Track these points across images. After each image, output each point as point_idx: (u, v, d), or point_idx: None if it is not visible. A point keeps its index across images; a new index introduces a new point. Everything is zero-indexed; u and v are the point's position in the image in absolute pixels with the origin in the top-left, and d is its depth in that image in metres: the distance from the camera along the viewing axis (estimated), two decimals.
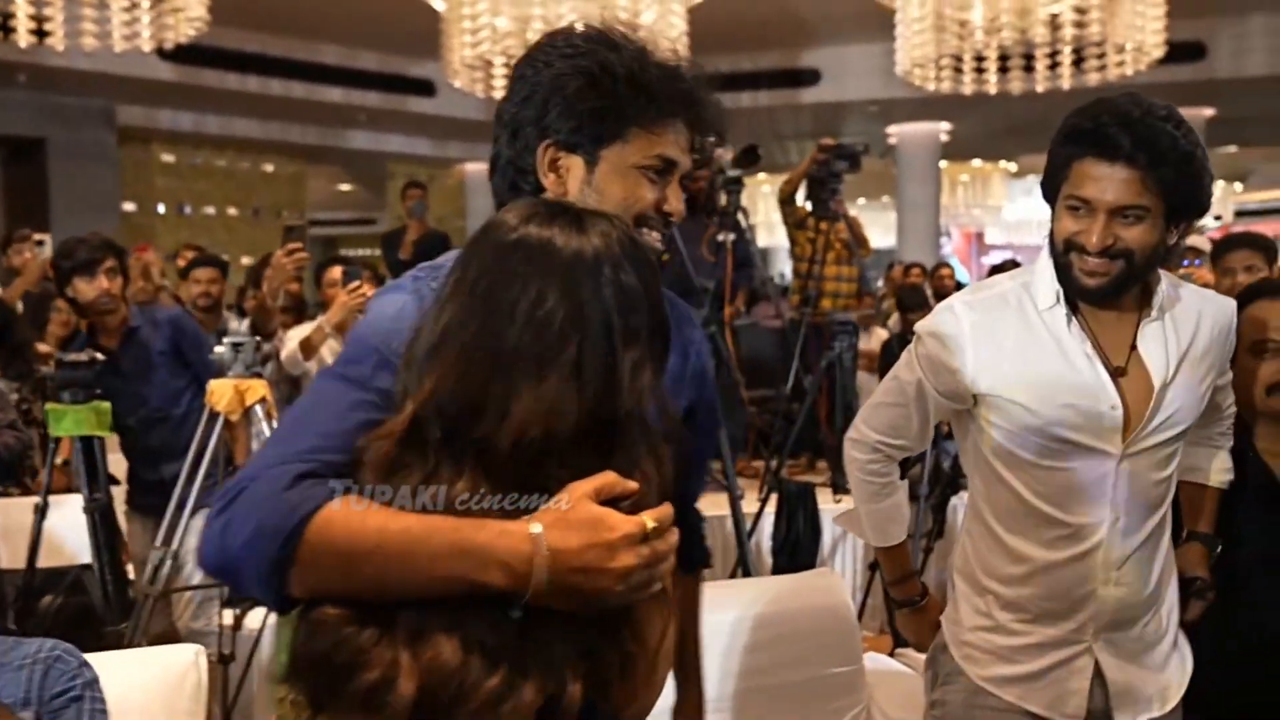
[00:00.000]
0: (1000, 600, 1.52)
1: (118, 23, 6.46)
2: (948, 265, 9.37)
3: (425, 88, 10.95)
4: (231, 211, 11.99)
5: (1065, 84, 7.96)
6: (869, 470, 1.62)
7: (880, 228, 14.22)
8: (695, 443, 1.36)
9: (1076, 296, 1.47)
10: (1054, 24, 7.01)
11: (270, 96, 10.37)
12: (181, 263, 5.69)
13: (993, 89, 8.11)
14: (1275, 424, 1.77)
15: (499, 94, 6.83)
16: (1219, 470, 1.71)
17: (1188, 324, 1.50)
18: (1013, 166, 16.27)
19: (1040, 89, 8.10)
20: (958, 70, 8.16)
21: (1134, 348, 1.48)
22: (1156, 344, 1.47)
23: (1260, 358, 1.74)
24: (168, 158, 11.43)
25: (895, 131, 12.34)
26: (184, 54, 9.42)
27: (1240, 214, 19.61)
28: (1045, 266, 1.51)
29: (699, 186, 5.04)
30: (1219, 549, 1.71)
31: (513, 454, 0.88)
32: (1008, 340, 1.48)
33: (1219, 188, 17.73)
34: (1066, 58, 7.75)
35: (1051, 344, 1.47)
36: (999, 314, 1.50)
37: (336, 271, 3.39)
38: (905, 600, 1.69)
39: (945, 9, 6.96)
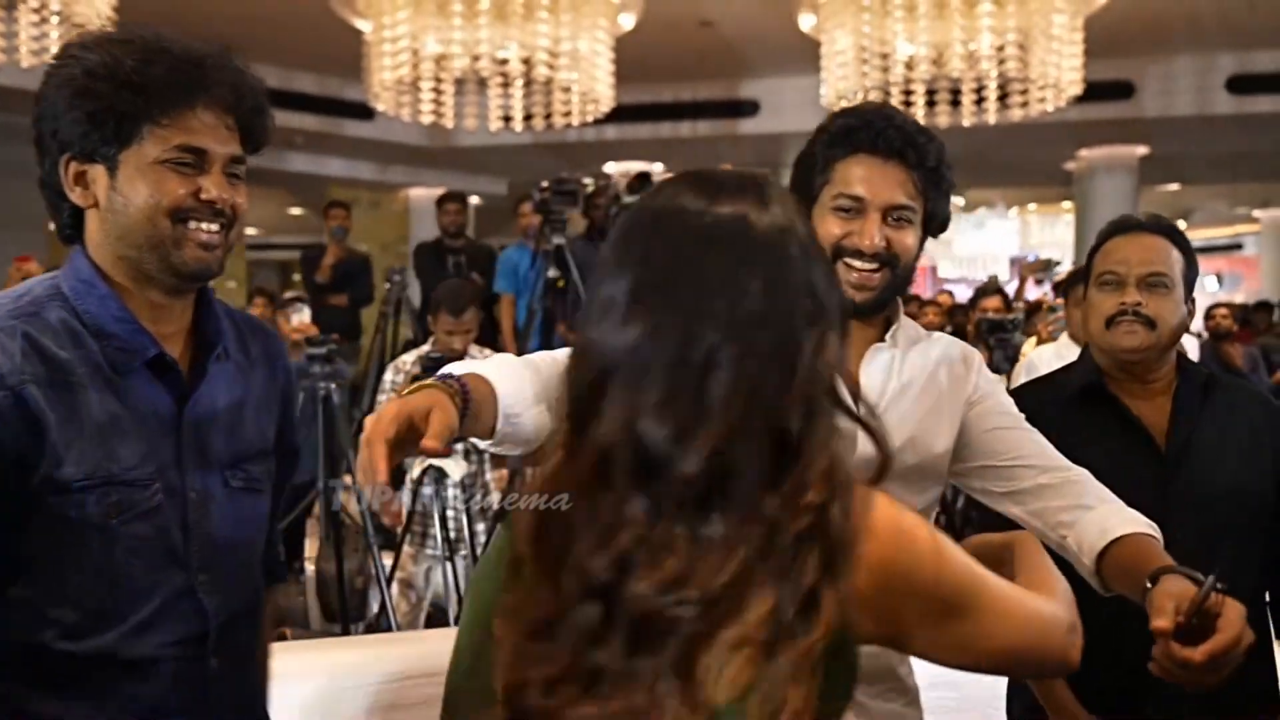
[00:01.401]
0: None
1: (26, 37, 6.35)
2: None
3: (363, 111, 10.86)
4: None
5: (991, 119, 8.04)
6: None
7: None
8: (284, 462, 1.38)
9: None
10: (972, 59, 7.07)
11: None
12: None
13: (920, 122, 8.17)
14: (1121, 361, 1.68)
15: (427, 119, 6.86)
16: (1126, 520, 1.34)
17: (917, 359, 1.43)
18: (960, 200, 16.42)
19: (966, 124, 8.18)
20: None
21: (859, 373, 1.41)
22: (880, 374, 1.40)
23: (1102, 290, 1.68)
24: None
25: None
26: None
27: None
28: None
29: (598, 214, 5.00)
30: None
31: (704, 474, 0.77)
32: None
33: None
34: (992, 93, 7.84)
35: None
36: None
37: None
38: None
39: (865, 42, 7.00)
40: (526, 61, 7.19)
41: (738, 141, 11.37)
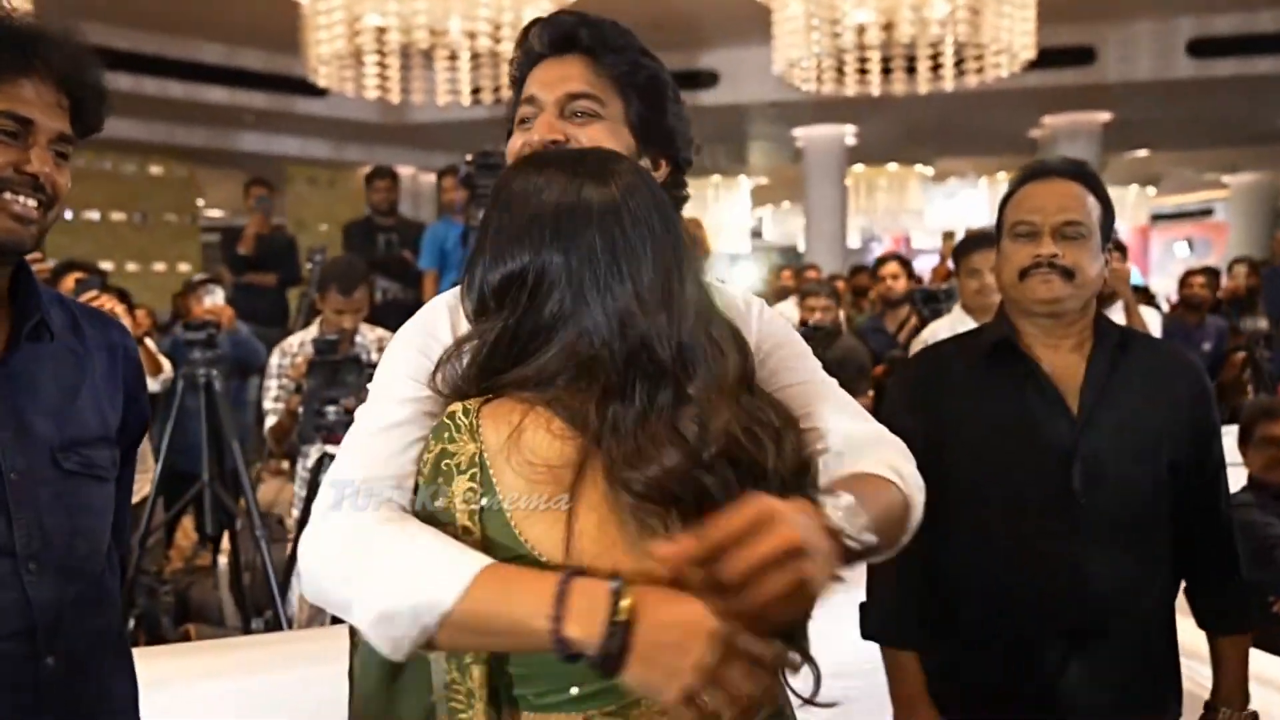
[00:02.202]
0: None
1: None
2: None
3: (314, 88, 10.63)
4: (117, 216, 11.52)
5: (948, 86, 7.91)
6: None
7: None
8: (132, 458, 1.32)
9: None
10: (924, 25, 6.93)
11: (147, 96, 9.97)
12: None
13: (875, 90, 8.04)
14: (1036, 314, 1.56)
15: (372, 94, 6.65)
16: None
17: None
18: (929, 170, 16.32)
19: (923, 91, 8.05)
20: (840, 72, 8.08)
21: None
22: None
23: (1016, 240, 1.56)
24: None
25: (802, 134, 12.26)
26: None
27: (1156, 217, 19.94)
28: None
29: None
30: None
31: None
32: None
33: (1131, 192, 18.00)
34: (947, 59, 7.71)
35: None
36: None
37: (70, 281, 3.13)
38: None
39: (813, 8, 6.85)
40: (470, 34, 7.00)
41: (698, 113, 11.06)
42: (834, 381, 1.19)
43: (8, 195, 1.14)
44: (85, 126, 1.22)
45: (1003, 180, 16.80)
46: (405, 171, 11.24)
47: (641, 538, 0.88)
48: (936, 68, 7.84)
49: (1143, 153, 14.81)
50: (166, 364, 3.46)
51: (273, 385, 3.09)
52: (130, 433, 1.31)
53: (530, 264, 0.95)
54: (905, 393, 1.68)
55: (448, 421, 0.93)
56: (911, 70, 7.97)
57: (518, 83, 1.22)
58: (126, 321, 3.37)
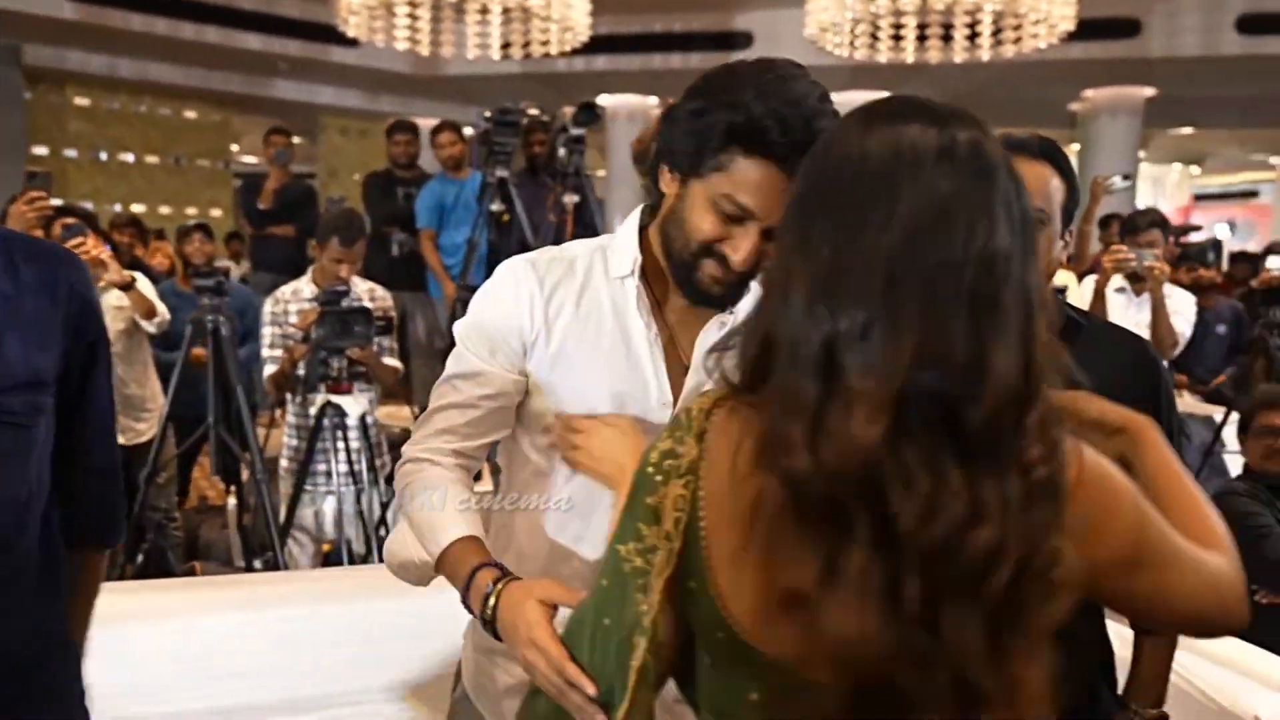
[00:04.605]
0: None
1: None
2: None
3: (348, 38, 10.64)
4: (151, 159, 11.65)
5: (984, 55, 7.77)
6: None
7: None
8: (81, 404, 1.23)
9: (686, 295, 1.24)
10: None
11: (184, 41, 10.03)
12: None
13: (909, 58, 7.92)
14: None
15: (401, 45, 6.65)
16: None
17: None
18: None
19: (959, 60, 7.91)
20: (874, 38, 7.96)
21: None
22: (714, 333, 1.26)
23: None
24: (82, 101, 11.06)
25: (837, 99, 12.03)
26: None
27: (1199, 197, 19.52)
28: (630, 232, 1.29)
29: (539, 149, 4.85)
30: None
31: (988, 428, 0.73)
32: (565, 312, 1.27)
33: (1174, 170, 17.61)
34: (985, 28, 7.56)
35: (611, 320, 1.27)
36: (566, 280, 1.28)
37: (58, 227, 3.15)
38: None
39: None
40: None
41: None
42: None
43: None
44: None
45: None
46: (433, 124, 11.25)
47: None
48: (973, 36, 7.70)
49: (1187, 130, 14.46)
50: (162, 308, 3.51)
51: (267, 333, 3.13)
52: (76, 376, 1.23)
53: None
54: None
55: (682, 418, 0.86)
56: (948, 39, 7.84)
57: (719, 136, 1.15)
58: (113, 265, 3.41)
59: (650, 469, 0.84)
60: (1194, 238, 6.18)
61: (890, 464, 0.72)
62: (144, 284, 3.47)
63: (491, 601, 1.12)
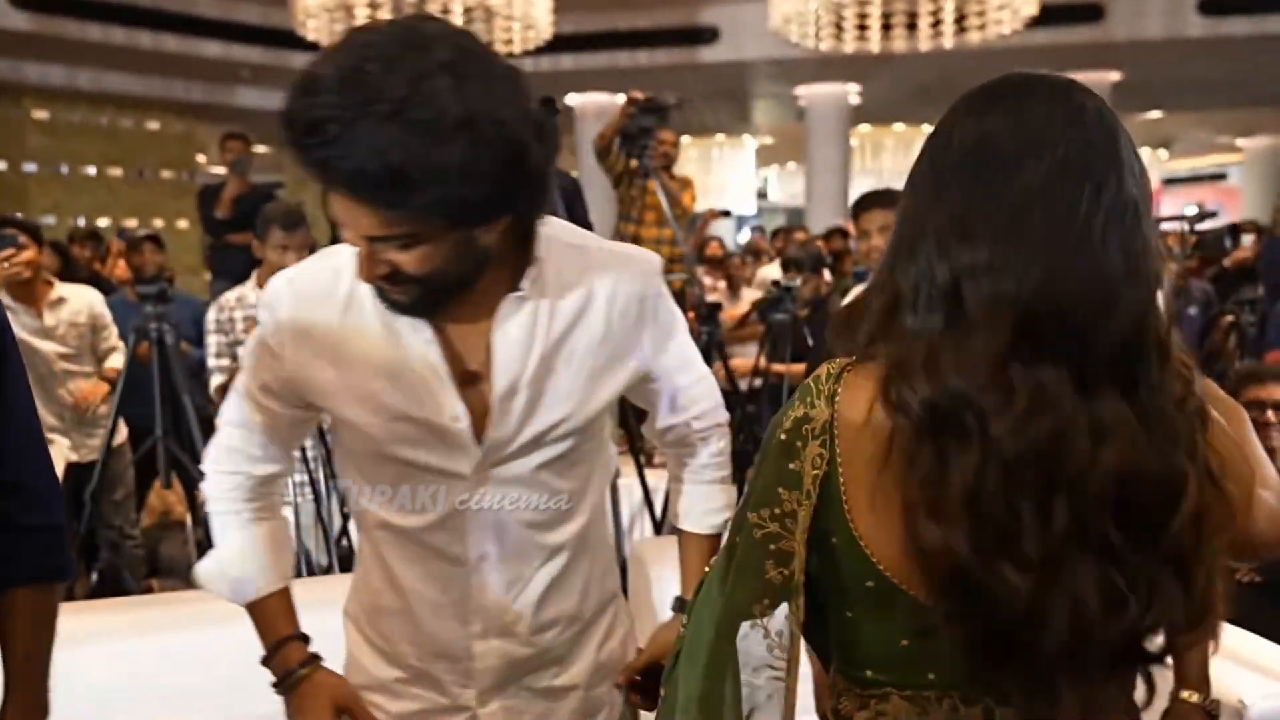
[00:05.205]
0: (381, 650, 1.23)
1: None
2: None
3: (308, 43, 10.52)
4: (114, 172, 11.47)
5: (948, 43, 7.76)
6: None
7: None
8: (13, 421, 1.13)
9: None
10: None
11: (142, 50, 9.89)
12: None
13: (875, 47, 7.90)
14: None
15: None
16: (705, 511, 1.31)
17: (572, 304, 1.13)
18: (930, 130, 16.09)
19: (924, 48, 7.90)
20: (839, 28, 7.93)
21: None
22: (518, 333, 1.11)
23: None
24: (41, 114, 10.86)
25: (804, 93, 12.08)
26: (38, 1, 8.95)
27: (1168, 182, 19.64)
28: None
29: None
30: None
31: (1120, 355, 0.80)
32: (330, 332, 1.11)
33: (1144, 155, 17.69)
34: (948, 15, 7.55)
35: (381, 335, 1.10)
36: (324, 294, 1.12)
37: None
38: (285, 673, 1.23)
39: None
40: None
41: (698, 70, 11.03)
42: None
43: None
44: None
45: None
46: None
47: None
48: (937, 24, 7.69)
49: (1155, 114, 14.54)
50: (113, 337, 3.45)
51: (212, 342, 3.04)
52: None
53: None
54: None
55: (811, 385, 0.89)
56: (912, 27, 7.82)
57: None
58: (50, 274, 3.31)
59: (785, 435, 0.87)
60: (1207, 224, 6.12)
61: (997, 383, 0.77)
62: (94, 298, 3.39)
63: (292, 681, 1.20)
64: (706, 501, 1.31)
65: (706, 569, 0.94)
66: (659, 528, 3.28)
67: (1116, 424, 0.77)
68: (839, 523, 0.85)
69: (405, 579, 1.18)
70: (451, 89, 0.93)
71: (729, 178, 16.28)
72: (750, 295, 5.58)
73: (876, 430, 0.82)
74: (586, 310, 1.14)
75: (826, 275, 5.11)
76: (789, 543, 0.84)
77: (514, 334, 1.11)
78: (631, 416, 3.62)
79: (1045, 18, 7.89)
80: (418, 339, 1.10)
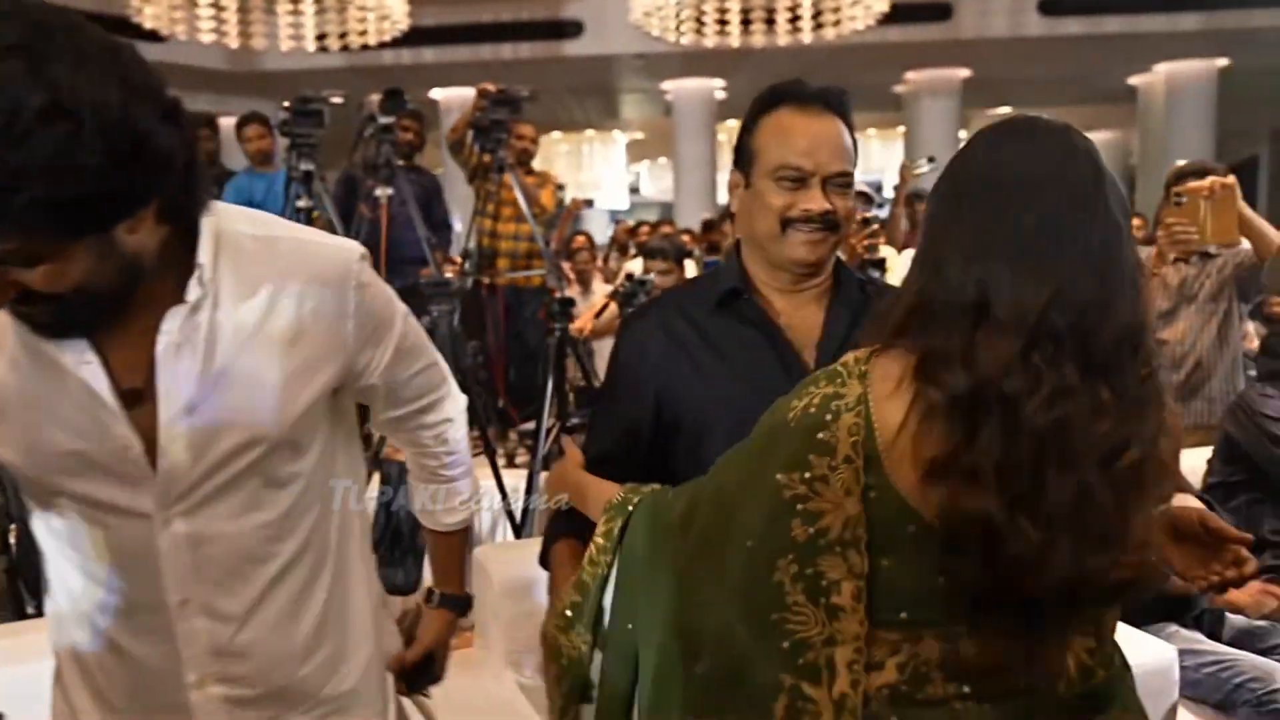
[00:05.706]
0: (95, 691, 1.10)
1: None
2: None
3: (151, 33, 9.98)
4: None
5: (806, 38, 7.91)
6: None
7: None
8: None
9: None
10: None
11: None
12: None
13: (735, 42, 7.99)
14: (780, 268, 1.42)
15: (206, 38, 6.19)
16: (444, 510, 1.31)
17: (255, 306, 1.02)
18: None
19: (782, 43, 8.03)
20: (700, 23, 8.00)
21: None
22: (186, 346, 1.00)
23: (778, 185, 1.38)
24: None
25: (671, 88, 12.17)
26: None
27: None
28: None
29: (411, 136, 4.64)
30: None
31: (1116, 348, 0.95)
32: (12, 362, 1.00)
33: None
34: (805, 12, 7.70)
35: (27, 363, 0.99)
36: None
37: None
38: None
39: None
40: None
41: (563, 64, 10.97)
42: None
43: None
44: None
45: (872, 135, 17.09)
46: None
47: None
48: (795, 19, 7.83)
49: (1004, 110, 15.23)
50: None
51: None
52: None
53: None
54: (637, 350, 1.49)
55: (840, 369, 1.02)
56: (771, 22, 7.95)
57: None
58: None
59: (815, 411, 1.00)
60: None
61: (1023, 370, 0.93)
62: None
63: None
64: (441, 501, 1.31)
65: (593, 554, 1.16)
66: (519, 531, 3.20)
67: (1108, 404, 0.94)
68: (878, 477, 0.98)
69: (103, 627, 1.06)
70: (26, 73, 0.80)
71: (601, 173, 16.28)
72: (602, 290, 5.54)
73: (908, 404, 0.97)
74: (272, 312, 1.03)
75: (690, 268, 5.11)
76: (816, 503, 0.98)
77: (181, 348, 1.00)
78: (482, 417, 3.53)
79: (896, 15, 8.14)
80: (72, 360, 0.98)
